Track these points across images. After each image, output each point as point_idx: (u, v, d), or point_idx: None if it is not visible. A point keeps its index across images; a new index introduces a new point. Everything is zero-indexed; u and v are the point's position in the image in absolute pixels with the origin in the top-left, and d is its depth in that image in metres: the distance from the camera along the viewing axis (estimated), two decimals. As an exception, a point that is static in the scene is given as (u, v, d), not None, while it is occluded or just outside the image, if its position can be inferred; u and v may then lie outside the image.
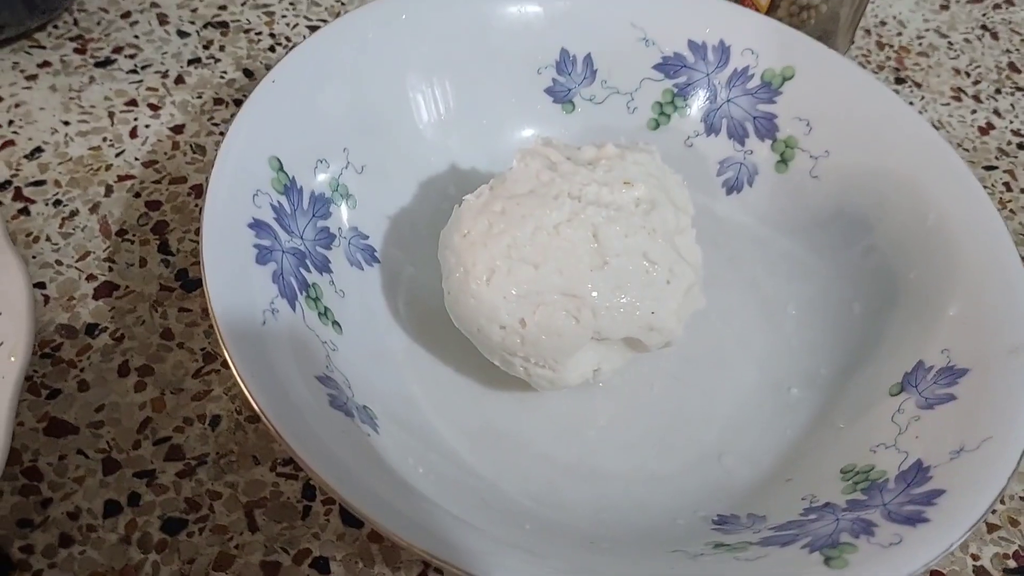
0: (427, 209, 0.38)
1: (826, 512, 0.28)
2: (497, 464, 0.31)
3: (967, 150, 0.49)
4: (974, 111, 0.51)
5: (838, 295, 0.37)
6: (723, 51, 0.40)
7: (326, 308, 0.32)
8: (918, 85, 0.52)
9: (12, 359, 0.27)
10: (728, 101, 0.41)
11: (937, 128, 0.49)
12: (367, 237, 0.35)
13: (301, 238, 0.32)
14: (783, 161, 0.40)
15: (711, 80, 0.41)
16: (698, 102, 0.41)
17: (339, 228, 0.34)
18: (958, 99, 0.52)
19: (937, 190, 0.36)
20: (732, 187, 0.41)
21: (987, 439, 0.28)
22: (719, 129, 0.41)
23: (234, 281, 0.28)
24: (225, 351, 0.26)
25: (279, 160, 0.32)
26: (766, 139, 0.40)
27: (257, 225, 0.30)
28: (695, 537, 0.29)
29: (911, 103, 0.51)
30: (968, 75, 0.54)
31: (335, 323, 0.32)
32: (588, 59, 0.41)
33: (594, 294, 0.30)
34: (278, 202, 0.31)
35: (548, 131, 0.41)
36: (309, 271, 0.32)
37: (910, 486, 0.28)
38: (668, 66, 0.41)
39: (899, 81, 0.52)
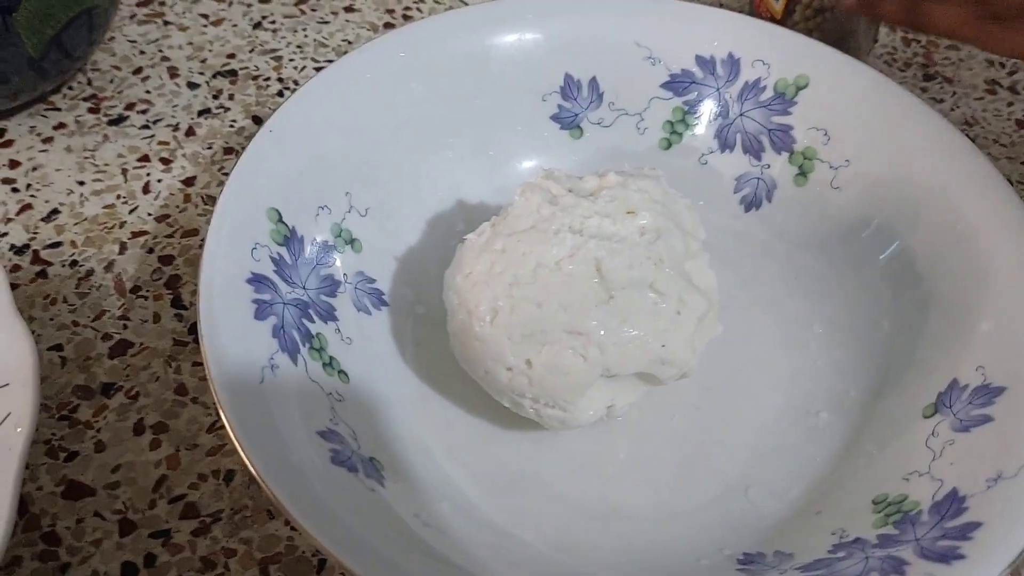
0: (436, 247, 0.37)
1: (855, 549, 0.27)
2: (511, 509, 0.30)
3: (1004, 145, 0.47)
4: (1011, 103, 0.49)
5: (865, 312, 0.35)
6: (732, 64, 0.39)
7: (331, 358, 0.31)
8: (948, 80, 0.50)
9: (19, 430, 0.27)
10: (741, 115, 0.39)
11: (971, 124, 0.47)
12: (374, 281, 0.35)
13: (303, 288, 0.32)
14: (802, 174, 0.39)
15: (722, 95, 0.40)
16: (710, 118, 0.40)
17: (344, 274, 0.34)
18: (993, 92, 0.50)
19: (966, 196, 0.34)
20: (750, 204, 0.40)
21: (1027, 464, 0.26)
22: (733, 145, 0.40)
23: (231, 339, 0.27)
24: (221, 412, 0.26)
25: (278, 211, 0.32)
26: (783, 152, 0.39)
27: (256, 280, 0.30)
28: (718, 579, 0.27)
29: (942, 100, 0.49)
30: (1003, 66, 0.51)
31: (341, 372, 0.31)
32: (593, 82, 0.40)
33: (600, 331, 0.29)
34: (278, 254, 0.31)
35: (557, 158, 0.40)
36: (313, 321, 0.31)
37: (944, 518, 0.26)
38: (676, 83, 0.40)
39: (928, 78, 0.50)
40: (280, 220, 0.32)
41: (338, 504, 0.25)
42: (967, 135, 0.46)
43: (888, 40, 0.52)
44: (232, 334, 0.28)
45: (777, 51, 0.39)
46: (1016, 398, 0.28)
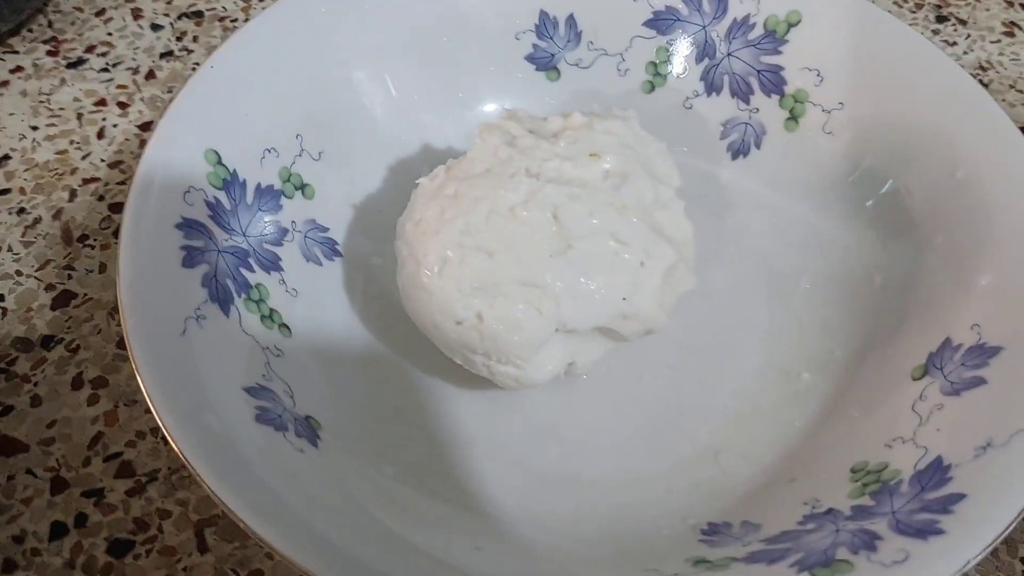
0: (397, 195, 0.34)
1: (826, 521, 0.24)
2: (462, 474, 0.28)
3: (1021, 91, 0.43)
4: (1030, 47, 0.45)
5: (858, 266, 0.33)
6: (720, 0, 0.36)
7: (272, 310, 0.29)
8: (963, 22, 0.46)
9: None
10: (729, 55, 0.36)
11: (985, 69, 0.44)
12: (327, 229, 0.33)
13: (244, 235, 0.30)
14: (793, 118, 0.36)
15: (708, 33, 0.37)
16: (696, 59, 0.37)
17: (292, 222, 0.32)
18: (1011, 34, 0.46)
19: (968, 141, 0.31)
20: (738, 150, 0.37)
21: (1019, 432, 0.24)
22: (720, 87, 0.37)
23: (153, 287, 0.25)
24: (134, 365, 0.24)
25: (217, 153, 0.30)
26: (773, 95, 0.36)
27: (187, 225, 0.28)
28: (676, 552, 0.25)
29: (954, 43, 0.45)
30: (1023, 6, 0.48)
31: (283, 326, 0.29)
32: (571, 20, 0.37)
33: (557, 283, 0.27)
34: (215, 198, 0.29)
35: (532, 101, 0.37)
36: (253, 271, 0.29)
37: (925, 489, 0.24)
38: (660, 21, 0.37)
39: (941, 19, 0.47)
40: (219, 162, 0.30)
41: (259, 464, 0.23)
42: (980, 80, 0.43)
43: (900, -20, 0.49)
44: (154, 282, 0.25)
45: (769, -16, 0.36)
46: (1013, 359, 0.26)
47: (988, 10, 0.47)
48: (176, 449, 0.22)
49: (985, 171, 0.30)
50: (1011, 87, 0.43)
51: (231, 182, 0.30)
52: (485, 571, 0.24)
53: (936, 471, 0.24)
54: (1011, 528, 0.22)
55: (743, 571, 0.23)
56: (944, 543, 0.22)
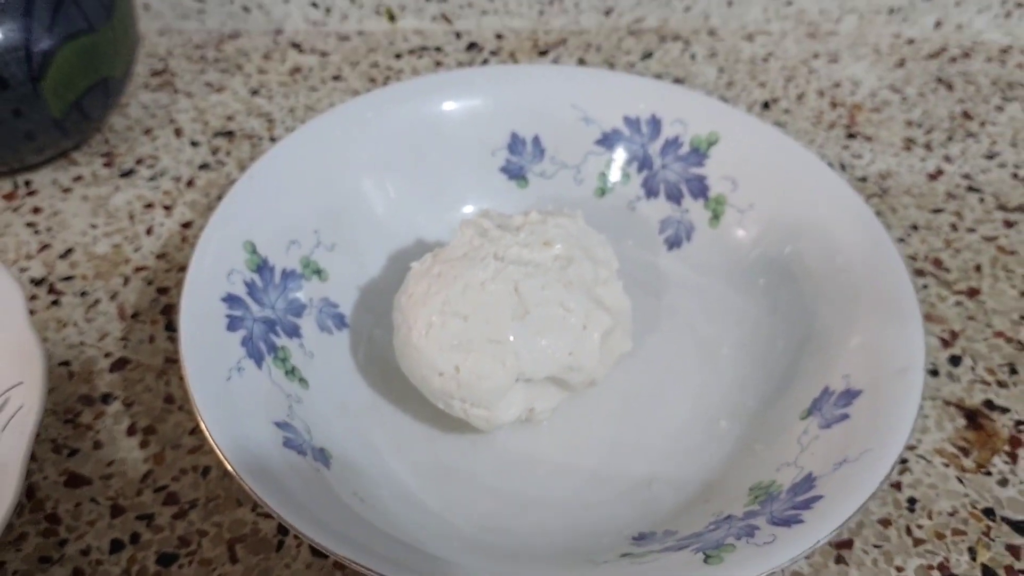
0: (394, 279, 0.43)
1: (725, 523, 0.31)
2: (443, 497, 0.35)
3: (914, 196, 0.52)
4: (924, 159, 0.54)
5: (765, 333, 0.41)
6: (655, 123, 0.45)
7: (293, 367, 0.37)
8: (868, 139, 0.56)
9: (30, 414, 0.32)
10: (663, 167, 0.45)
11: (884, 177, 0.53)
12: (337, 306, 0.41)
13: (272, 308, 0.37)
14: (715, 217, 0.44)
15: (646, 150, 0.45)
16: (637, 170, 0.46)
17: (310, 299, 0.39)
18: (908, 149, 0.55)
19: (844, 234, 0.39)
20: (672, 243, 0.45)
21: (867, 451, 0.31)
22: (658, 192, 0.45)
23: (205, 345, 0.33)
24: (192, 402, 0.31)
25: (252, 244, 0.38)
26: (699, 198, 0.45)
27: (230, 299, 0.36)
28: (610, 551, 0.32)
29: (861, 156, 0.54)
30: (920, 126, 0.57)
31: (302, 379, 0.37)
32: (536, 139, 0.46)
33: (517, 340, 0.34)
34: (251, 279, 0.37)
35: (505, 205, 0.46)
36: (279, 336, 0.37)
37: (796, 495, 0.31)
38: (608, 140, 0.46)
39: (850, 136, 0.56)
40: (254, 251, 0.38)
41: (284, 476, 0.30)
42: (881, 186, 0.52)
43: (816, 104, 0.58)
44: (206, 340, 0.33)
45: (692, 112, 0.45)
46: (870, 399, 0.33)
47: (890, 129, 0.56)
48: (225, 462, 0.30)
49: (856, 258, 0.38)
50: (905, 192, 0.52)
51: (263, 267, 0.38)
52: (454, 559, 0.31)
53: (806, 482, 0.31)
54: (854, 518, 0.29)
55: (657, 557, 0.30)
56: (802, 529, 0.29)
